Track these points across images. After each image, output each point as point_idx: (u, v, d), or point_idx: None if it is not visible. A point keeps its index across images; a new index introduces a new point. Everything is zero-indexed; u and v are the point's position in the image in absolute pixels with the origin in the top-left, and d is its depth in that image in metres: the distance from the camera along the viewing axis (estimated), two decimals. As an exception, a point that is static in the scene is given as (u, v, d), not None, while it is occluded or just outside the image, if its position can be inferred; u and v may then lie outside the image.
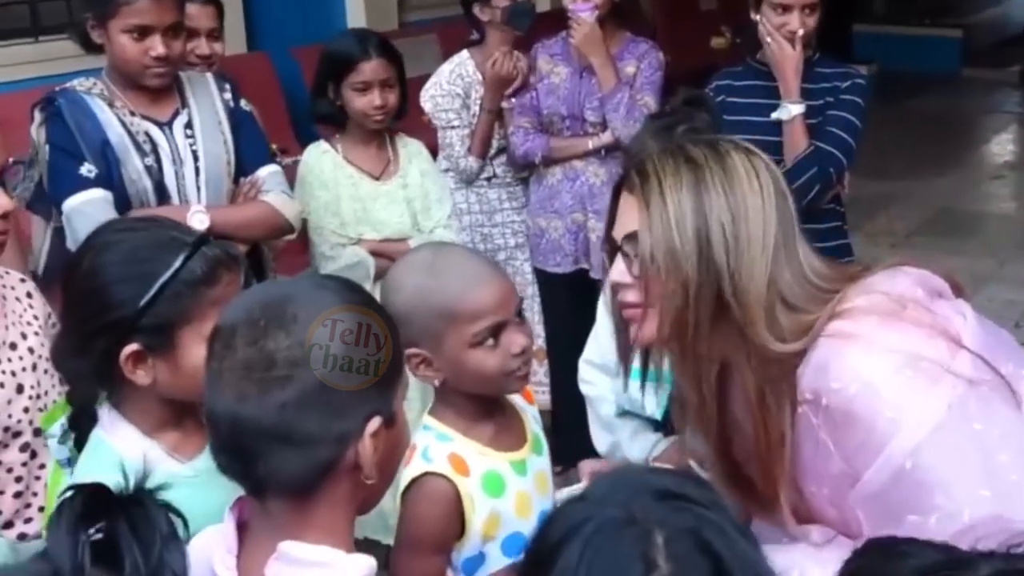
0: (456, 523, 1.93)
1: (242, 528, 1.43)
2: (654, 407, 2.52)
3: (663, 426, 2.54)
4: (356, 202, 3.50)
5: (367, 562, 1.39)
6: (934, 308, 1.74)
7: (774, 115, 3.40)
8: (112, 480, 1.73)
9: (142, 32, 2.84)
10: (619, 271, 1.83)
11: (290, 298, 1.39)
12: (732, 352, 1.77)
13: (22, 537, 2.20)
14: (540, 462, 2.08)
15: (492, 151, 4.19)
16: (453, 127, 4.14)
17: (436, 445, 1.97)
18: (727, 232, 1.71)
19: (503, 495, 1.97)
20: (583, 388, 2.87)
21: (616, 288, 1.86)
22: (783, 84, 3.41)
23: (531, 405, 2.19)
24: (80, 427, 1.95)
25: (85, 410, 1.94)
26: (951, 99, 11.63)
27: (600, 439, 2.74)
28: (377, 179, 3.55)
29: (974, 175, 9.11)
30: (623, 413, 2.68)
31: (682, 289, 1.72)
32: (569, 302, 4.12)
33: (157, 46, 2.84)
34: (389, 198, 3.54)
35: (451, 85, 4.17)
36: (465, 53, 4.23)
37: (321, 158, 3.54)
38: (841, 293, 1.75)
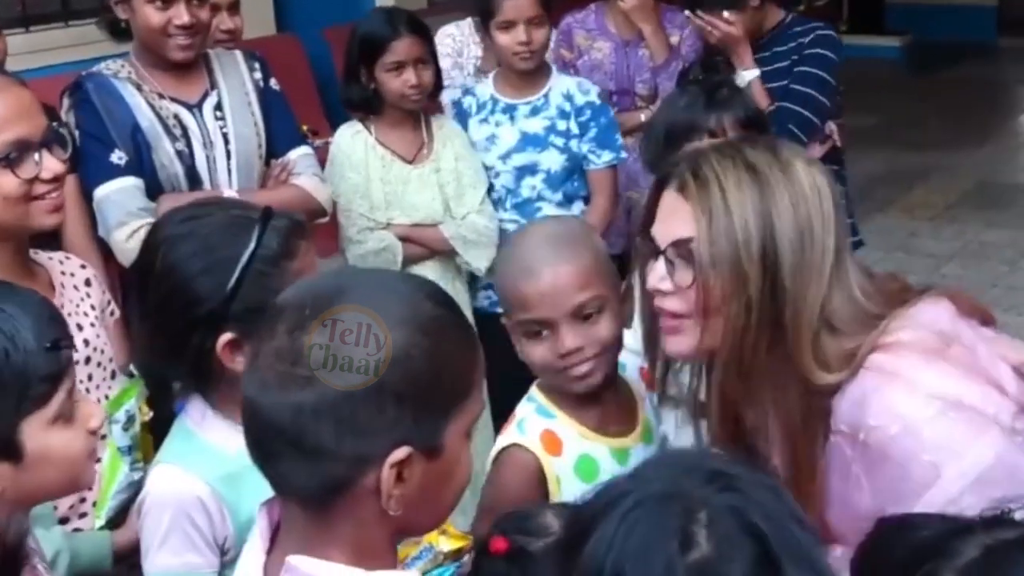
0: (536, 499, 1.90)
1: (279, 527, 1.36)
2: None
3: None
4: (387, 185, 3.42)
5: None
6: (977, 349, 1.67)
7: (738, 80, 3.53)
8: (207, 471, 1.81)
9: (165, 1, 2.81)
10: (659, 277, 1.73)
11: (343, 292, 1.26)
12: (777, 377, 1.68)
13: (77, 532, 2.17)
14: (647, 452, 2.04)
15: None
16: (444, 87, 4.03)
17: (534, 419, 1.97)
18: (794, 252, 1.63)
19: (596, 481, 1.92)
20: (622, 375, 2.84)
21: (654, 293, 1.77)
22: (733, 57, 3.65)
23: (652, 392, 2.15)
24: (159, 423, 1.94)
25: (166, 405, 1.93)
26: (988, 69, 11.45)
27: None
28: (410, 162, 3.46)
29: (1013, 146, 8.98)
30: (666, 400, 2.64)
31: (745, 310, 1.64)
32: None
33: (182, 14, 2.82)
34: (421, 182, 3.45)
35: (441, 45, 4.07)
36: (468, 19, 4.15)
37: (353, 139, 3.45)
38: (885, 322, 1.67)
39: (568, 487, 1.91)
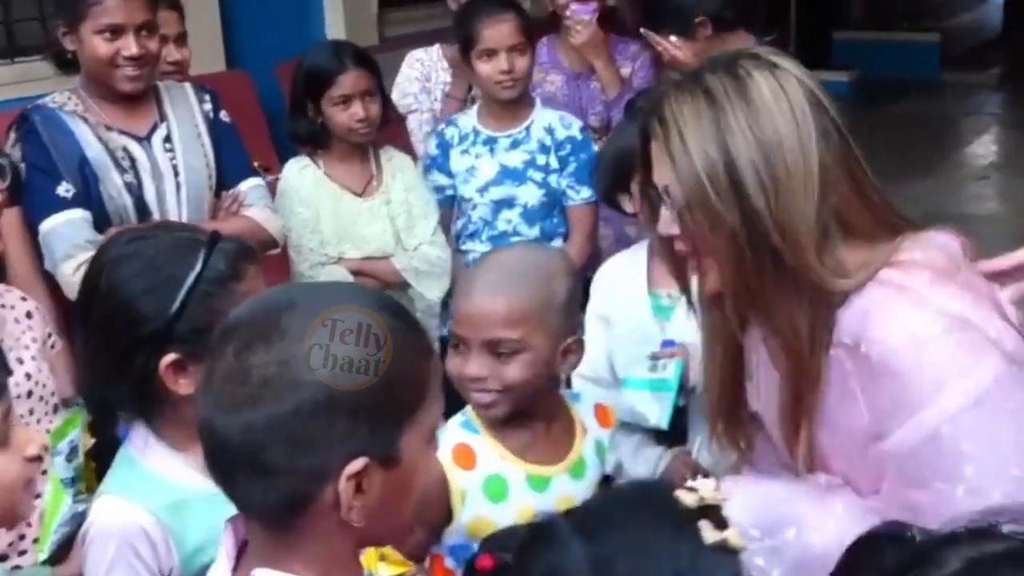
0: (441, 508, 1.92)
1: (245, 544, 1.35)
2: (659, 416, 2.47)
3: (669, 436, 2.48)
4: (337, 219, 3.38)
5: None
6: (981, 279, 1.69)
7: None
8: (151, 501, 1.77)
9: (114, 32, 2.80)
10: (666, 222, 1.73)
11: (289, 307, 1.24)
12: (787, 295, 1.66)
13: (16, 569, 2.14)
14: (574, 486, 2.04)
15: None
16: (412, 111, 4.06)
17: (455, 431, 1.99)
18: (761, 172, 1.60)
19: (503, 502, 1.95)
20: (577, 404, 2.83)
21: (669, 239, 1.76)
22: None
23: (606, 428, 2.15)
24: (102, 450, 1.91)
25: (109, 430, 1.90)
26: (932, 103, 11.67)
27: (603, 459, 2.69)
28: (360, 195, 3.42)
29: (957, 177, 9.12)
30: (622, 426, 2.63)
31: (730, 243, 1.63)
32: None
33: (130, 45, 2.80)
34: (372, 214, 3.41)
35: (411, 69, 4.11)
36: (437, 45, 4.16)
37: (301, 174, 3.40)
38: (899, 239, 1.67)
39: (473, 503, 1.93)
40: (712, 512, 1.25)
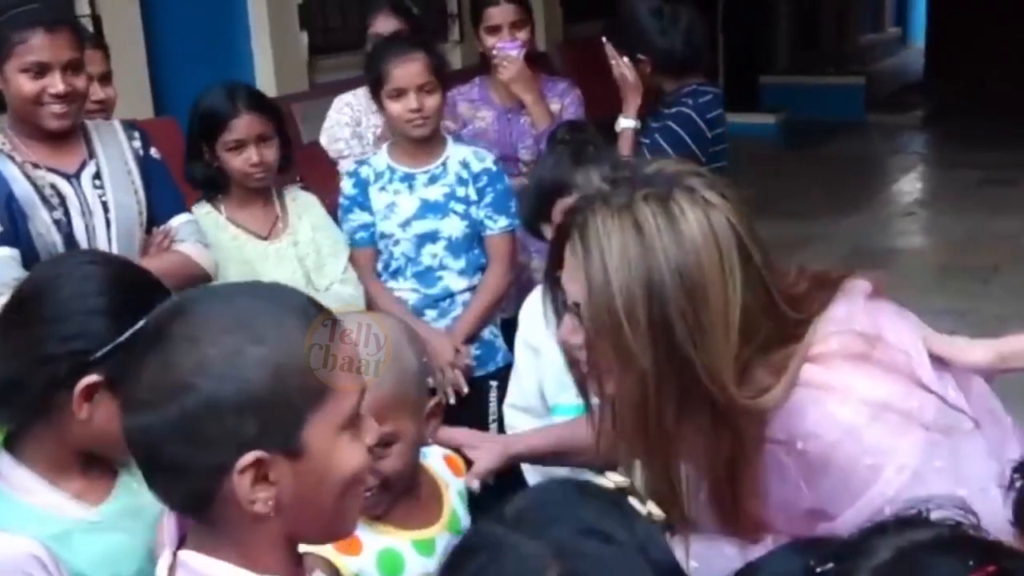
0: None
1: None
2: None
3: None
4: (243, 264, 3.28)
5: None
6: (902, 339, 1.72)
7: (616, 126, 3.76)
8: (35, 532, 1.69)
9: (40, 70, 2.78)
10: (569, 330, 1.70)
11: (178, 313, 1.27)
12: (701, 419, 1.64)
13: None
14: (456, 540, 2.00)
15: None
16: (343, 157, 4.06)
17: None
18: (689, 322, 1.57)
19: (402, 575, 1.90)
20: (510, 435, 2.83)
21: (568, 346, 1.73)
22: (623, 102, 3.77)
23: (457, 478, 2.12)
24: None
25: None
26: (859, 143, 11.97)
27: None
28: (265, 238, 3.35)
29: (885, 213, 9.31)
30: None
31: (639, 384, 1.60)
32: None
33: (57, 83, 2.79)
34: (279, 257, 3.33)
35: (339, 114, 4.12)
36: (364, 88, 4.12)
37: (203, 221, 3.25)
38: (810, 332, 1.66)
39: None
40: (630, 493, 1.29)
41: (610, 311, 1.58)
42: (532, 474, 2.62)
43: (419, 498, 1.99)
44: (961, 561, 1.07)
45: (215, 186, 3.33)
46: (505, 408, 2.88)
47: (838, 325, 1.69)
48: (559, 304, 1.76)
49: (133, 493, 1.84)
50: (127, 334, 1.67)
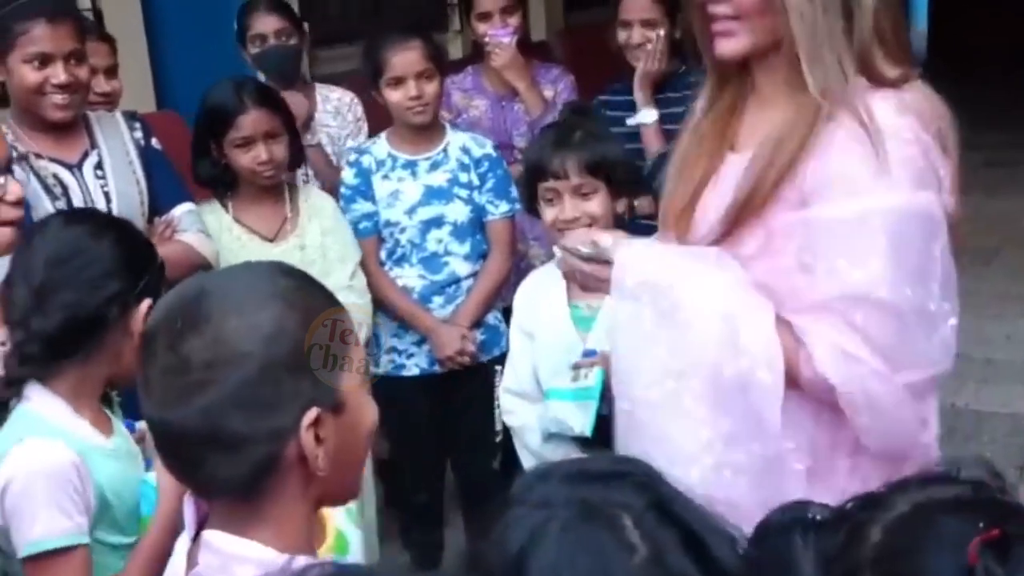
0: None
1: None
2: (583, 424, 2.50)
3: (592, 443, 2.52)
4: None
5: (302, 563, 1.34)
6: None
7: (629, 121, 3.71)
8: (59, 446, 1.97)
9: (43, 60, 2.82)
10: None
11: (204, 294, 1.34)
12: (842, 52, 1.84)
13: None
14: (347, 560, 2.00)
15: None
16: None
17: None
18: None
19: None
20: (506, 419, 2.88)
21: (704, 2, 1.91)
22: (636, 96, 3.74)
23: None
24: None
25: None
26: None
27: (531, 469, 2.71)
28: (271, 240, 3.30)
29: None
30: (549, 437, 2.67)
31: (809, 2, 1.80)
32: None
33: (59, 73, 2.82)
34: (283, 260, 3.11)
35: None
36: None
37: (207, 220, 3.24)
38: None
39: None
40: None
41: None
42: (532, 464, 2.66)
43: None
44: (971, 522, 1.09)
45: (223, 184, 3.32)
46: (500, 392, 2.92)
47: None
48: None
49: (124, 435, 2.18)
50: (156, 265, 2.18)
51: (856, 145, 1.81)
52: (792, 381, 1.86)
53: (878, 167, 1.79)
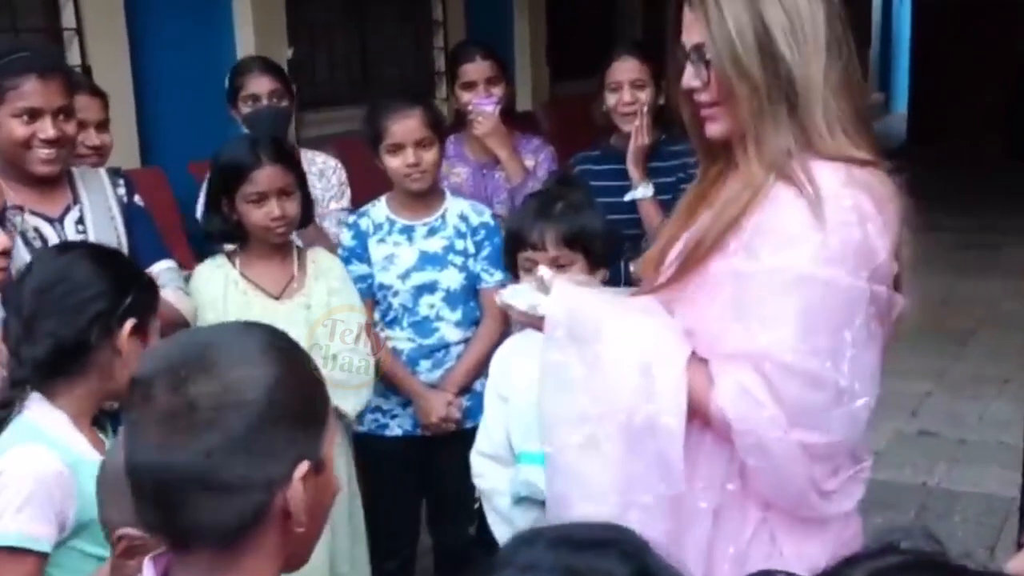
0: None
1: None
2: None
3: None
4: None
5: None
6: None
7: (627, 196, 3.77)
8: (49, 455, 2.07)
9: (31, 115, 2.84)
10: (690, 76, 2.07)
11: (211, 344, 1.39)
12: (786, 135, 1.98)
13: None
14: None
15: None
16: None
17: None
18: (787, 34, 1.96)
19: None
20: (477, 482, 2.87)
21: (690, 92, 2.09)
22: (631, 172, 3.80)
23: None
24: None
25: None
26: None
27: (500, 533, 2.71)
28: (277, 298, 3.24)
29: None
30: (519, 501, 2.67)
31: (752, 92, 1.97)
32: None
33: (47, 128, 2.84)
34: (288, 319, 3.11)
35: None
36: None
37: (212, 275, 3.23)
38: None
39: None
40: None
41: (725, 37, 1.98)
42: (500, 527, 2.66)
43: None
44: None
45: (232, 240, 3.30)
46: (472, 455, 2.91)
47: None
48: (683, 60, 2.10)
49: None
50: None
51: (796, 204, 1.92)
52: (706, 419, 1.99)
53: (814, 225, 1.90)
